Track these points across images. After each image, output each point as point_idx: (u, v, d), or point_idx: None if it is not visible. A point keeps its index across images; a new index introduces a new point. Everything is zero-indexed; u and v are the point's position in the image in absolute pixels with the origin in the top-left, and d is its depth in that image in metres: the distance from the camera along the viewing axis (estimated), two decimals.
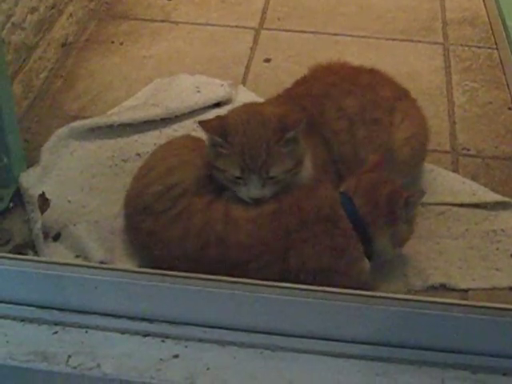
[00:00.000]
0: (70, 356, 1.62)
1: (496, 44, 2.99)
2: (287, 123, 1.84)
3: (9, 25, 2.35)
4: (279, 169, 1.84)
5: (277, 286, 1.69)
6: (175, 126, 2.45)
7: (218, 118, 1.94)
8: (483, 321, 1.63)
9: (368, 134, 2.04)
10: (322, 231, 1.79)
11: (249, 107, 1.98)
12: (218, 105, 2.54)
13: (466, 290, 1.94)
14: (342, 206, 1.83)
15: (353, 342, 1.66)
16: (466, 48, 2.98)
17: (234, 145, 1.84)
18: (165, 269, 1.72)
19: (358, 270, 1.83)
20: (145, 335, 1.68)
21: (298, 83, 2.17)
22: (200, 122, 1.90)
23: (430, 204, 2.17)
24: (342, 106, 2.04)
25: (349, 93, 2.06)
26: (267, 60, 2.82)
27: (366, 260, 1.84)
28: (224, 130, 1.85)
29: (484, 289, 1.95)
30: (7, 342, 1.65)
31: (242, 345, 1.66)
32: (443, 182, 2.26)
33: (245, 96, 2.52)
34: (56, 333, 1.68)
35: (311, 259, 1.77)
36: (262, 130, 1.85)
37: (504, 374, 1.62)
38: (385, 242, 1.86)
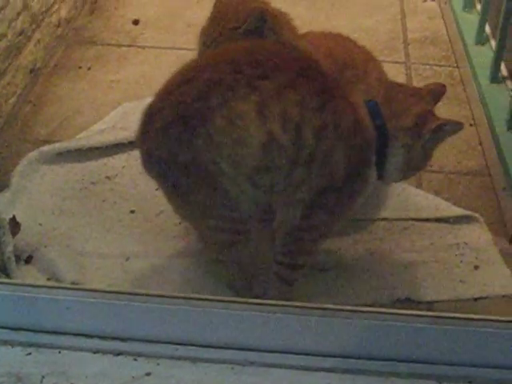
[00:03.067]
0: (43, 377, 1.61)
1: (456, 62, 3.04)
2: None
3: None
4: None
5: (245, 302, 1.70)
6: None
7: None
8: (448, 331, 1.64)
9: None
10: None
11: None
12: None
13: (431, 302, 1.97)
14: (369, 109, 1.79)
15: (322, 355, 1.66)
16: (428, 66, 3.02)
17: None
18: None
19: (363, 177, 1.80)
20: (117, 354, 1.67)
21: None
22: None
23: (395, 219, 2.21)
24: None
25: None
26: None
27: (374, 172, 1.81)
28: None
29: (449, 300, 1.98)
30: None
31: (213, 361, 1.65)
32: (407, 198, 2.29)
33: None
34: (30, 354, 1.66)
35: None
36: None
37: (469, 382, 1.63)
38: (398, 156, 1.81)
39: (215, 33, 2.00)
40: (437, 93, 1.90)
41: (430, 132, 1.77)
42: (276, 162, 1.69)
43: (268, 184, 1.74)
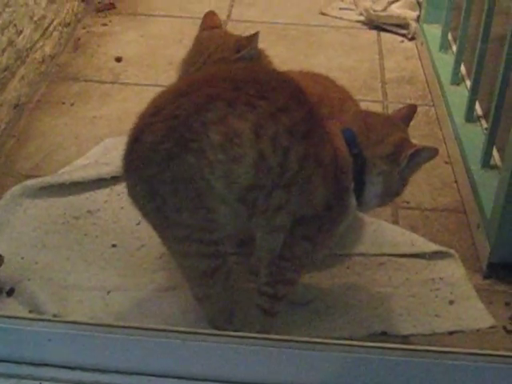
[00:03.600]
0: None
1: (433, 101, 3.07)
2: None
3: None
4: None
5: (224, 335, 1.71)
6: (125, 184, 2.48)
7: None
8: (424, 364, 1.65)
9: None
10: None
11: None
12: None
13: (406, 336, 1.98)
14: (345, 138, 1.80)
15: None
16: (405, 106, 3.04)
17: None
18: None
19: (342, 205, 1.81)
20: None
21: None
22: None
23: (371, 255, 2.22)
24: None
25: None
26: None
27: (354, 199, 1.82)
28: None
29: (424, 334, 1.99)
30: None
31: None
32: (383, 234, 2.30)
33: None
34: None
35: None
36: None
37: None
38: (377, 183, 1.81)
39: (199, 63, 2.04)
40: (409, 115, 1.94)
41: (407, 158, 1.78)
42: (262, 181, 1.70)
43: (252, 201, 1.74)
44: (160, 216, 1.78)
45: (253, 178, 1.69)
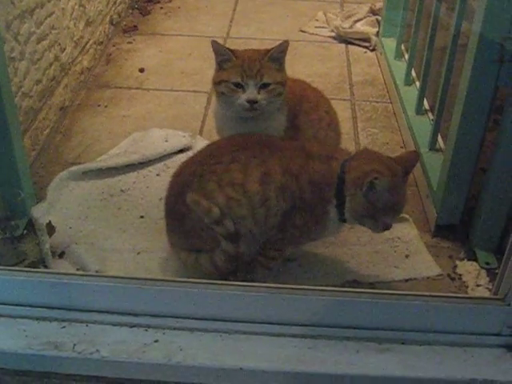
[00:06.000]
0: (75, 344, 1.62)
1: (390, 99, 3.06)
2: (271, 48, 1.90)
3: (20, 93, 2.36)
4: (270, 77, 1.86)
5: (231, 284, 1.72)
6: (150, 168, 2.47)
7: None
8: (386, 304, 1.67)
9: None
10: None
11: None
12: (181, 151, 2.56)
13: (372, 283, 1.99)
14: (341, 165, 1.77)
15: (289, 324, 1.68)
16: (368, 103, 3.04)
17: (238, 58, 1.88)
18: None
19: (325, 212, 1.79)
20: (132, 326, 1.68)
21: None
22: (213, 42, 1.90)
23: None
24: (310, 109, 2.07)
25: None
26: None
27: (334, 211, 1.78)
28: (231, 49, 1.91)
29: (386, 282, 2.00)
30: (26, 336, 1.65)
31: (206, 330, 1.68)
32: None
33: (202, 144, 2.48)
34: (64, 327, 1.68)
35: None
36: (257, 52, 1.91)
37: (402, 343, 1.66)
38: (348, 203, 1.75)
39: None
40: (409, 159, 1.81)
41: (367, 184, 1.69)
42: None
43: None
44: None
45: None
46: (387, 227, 1.77)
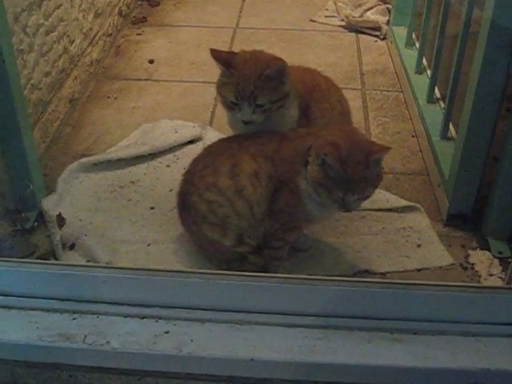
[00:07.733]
0: (86, 336, 1.62)
1: (401, 88, 3.04)
2: (269, 64, 1.83)
3: (29, 86, 2.36)
4: (264, 99, 1.83)
5: (242, 275, 1.71)
6: (160, 159, 2.47)
7: (229, 52, 1.93)
8: (398, 294, 1.66)
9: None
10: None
11: (254, 52, 1.94)
12: (191, 142, 2.56)
13: (384, 273, 1.98)
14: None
15: (300, 315, 1.67)
16: (379, 92, 3.02)
17: (233, 76, 1.84)
18: None
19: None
20: (142, 317, 1.68)
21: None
22: (211, 50, 1.86)
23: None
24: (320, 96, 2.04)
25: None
26: None
27: (307, 193, 1.78)
28: (228, 62, 1.85)
29: (398, 271, 1.99)
30: (37, 327, 1.65)
31: (216, 321, 1.67)
32: None
33: (212, 134, 2.53)
34: (75, 319, 1.68)
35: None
36: (253, 69, 1.83)
37: (414, 333, 1.65)
38: (308, 175, 1.76)
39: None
40: (377, 148, 1.76)
41: (321, 156, 1.69)
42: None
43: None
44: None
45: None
46: (345, 206, 1.75)
